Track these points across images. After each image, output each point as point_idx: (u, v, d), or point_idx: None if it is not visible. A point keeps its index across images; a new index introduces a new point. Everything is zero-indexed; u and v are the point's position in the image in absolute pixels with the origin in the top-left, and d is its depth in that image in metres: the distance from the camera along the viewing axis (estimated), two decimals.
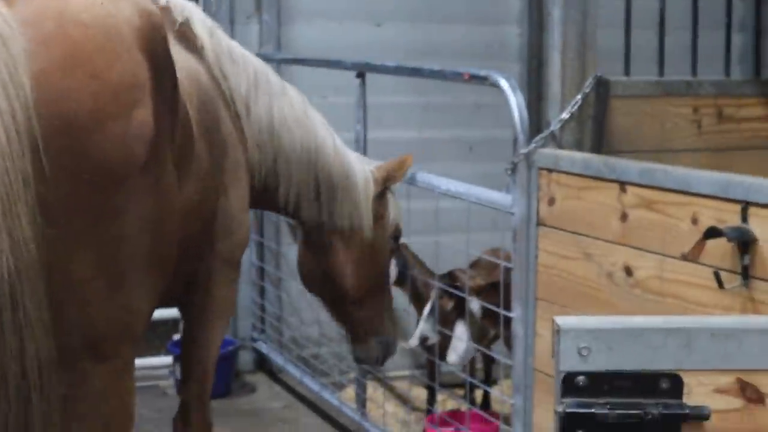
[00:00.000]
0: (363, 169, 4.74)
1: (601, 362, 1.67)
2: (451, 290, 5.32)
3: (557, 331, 1.66)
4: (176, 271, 3.22)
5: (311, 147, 4.53)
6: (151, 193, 2.82)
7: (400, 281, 5.73)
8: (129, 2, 2.84)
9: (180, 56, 3.60)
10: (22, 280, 2.56)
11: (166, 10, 3.97)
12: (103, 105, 2.66)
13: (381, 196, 4.81)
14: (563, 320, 1.67)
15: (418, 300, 5.85)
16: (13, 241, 2.54)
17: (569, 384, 1.68)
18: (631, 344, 1.67)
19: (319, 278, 4.78)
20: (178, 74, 3.19)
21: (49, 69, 2.61)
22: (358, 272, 4.76)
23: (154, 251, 2.88)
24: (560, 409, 1.68)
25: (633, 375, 1.66)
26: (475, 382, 5.53)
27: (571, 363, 1.67)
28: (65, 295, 2.71)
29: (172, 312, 6.42)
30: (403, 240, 5.31)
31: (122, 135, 2.70)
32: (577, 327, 1.67)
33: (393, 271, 5.48)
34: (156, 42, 2.90)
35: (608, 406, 1.66)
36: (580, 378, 1.68)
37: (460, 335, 5.26)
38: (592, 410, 1.67)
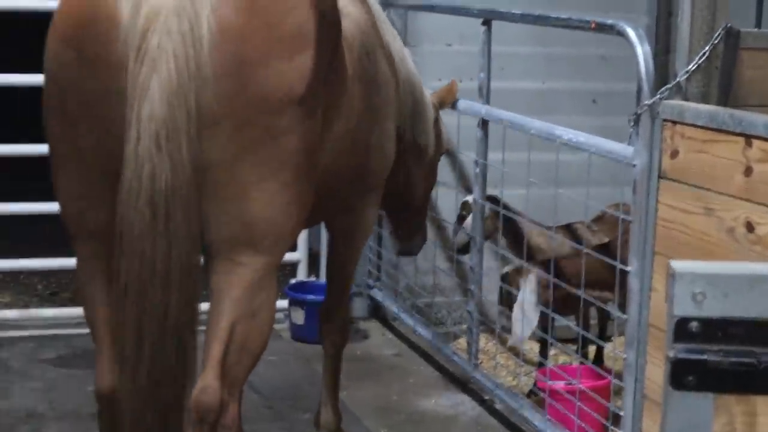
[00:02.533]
0: (428, 96, 5.30)
1: (715, 308, 1.62)
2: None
3: (671, 275, 1.61)
4: (331, 195, 3.93)
5: (411, 74, 5.06)
6: (305, 122, 3.28)
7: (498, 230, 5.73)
8: None
9: (350, 7, 4.21)
10: (176, 196, 3.06)
11: None
12: (271, 48, 3.18)
13: (436, 119, 5.38)
14: (678, 264, 1.62)
15: (516, 246, 5.79)
16: (172, 163, 3.04)
17: (682, 329, 1.63)
18: (748, 291, 1.61)
19: (391, 191, 5.08)
20: (348, 24, 3.90)
21: (231, 16, 3.10)
22: (424, 186, 5.43)
23: (306, 168, 3.36)
24: (671, 354, 1.64)
25: (748, 322, 1.61)
26: (588, 336, 5.47)
27: (684, 308, 1.63)
28: (233, 194, 3.22)
29: (291, 256, 6.49)
30: (520, 191, 5.46)
31: (284, 72, 3.20)
32: (692, 271, 1.62)
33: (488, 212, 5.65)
34: (326, 2, 3.41)
35: (721, 353, 1.61)
36: (693, 324, 1.63)
37: (527, 310, 5.28)
38: (704, 357, 1.62)
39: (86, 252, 3.47)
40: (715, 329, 1.63)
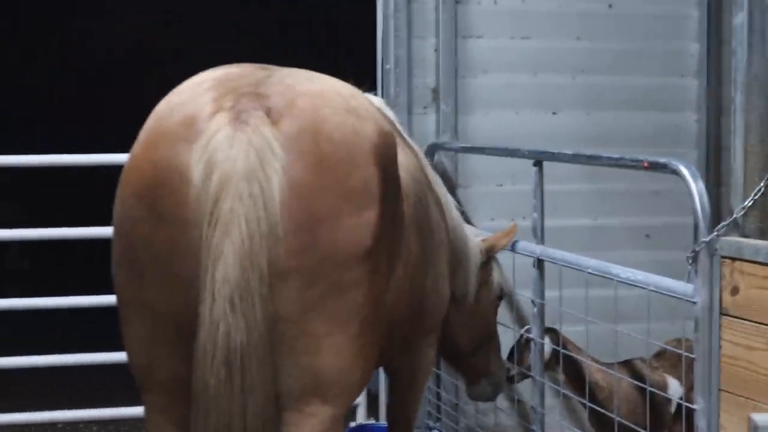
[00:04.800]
0: (474, 240, 5.37)
1: None
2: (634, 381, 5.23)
3: (755, 428, 1.62)
4: (391, 338, 3.95)
5: (456, 221, 5.15)
6: (372, 275, 3.36)
7: (552, 364, 5.73)
8: (372, 123, 3.47)
9: (402, 156, 4.19)
10: (251, 353, 3.13)
11: (381, 111, 4.47)
12: (341, 204, 3.27)
13: (486, 263, 5.44)
14: (760, 417, 1.63)
15: (575, 382, 5.78)
16: (247, 323, 3.12)
17: None
18: None
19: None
20: (403, 174, 3.91)
21: (302, 174, 3.21)
22: (468, 331, 5.45)
23: (374, 319, 3.43)
24: None
25: None
26: None
27: None
28: (303, 347, 3.26)
29: None
30: (579, 328, 5.52)
31: (353, 228, 3.29)
32: None
33: (547, 350, 5.66)
34: (388, 157, 3.53)
35: None
36: None
37: None
38: None
39: (155, 403, 3.49)
40: None
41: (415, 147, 4.82)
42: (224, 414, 3.13)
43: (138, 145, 3.40)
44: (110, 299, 3.82)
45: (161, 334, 3.35)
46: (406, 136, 4.80)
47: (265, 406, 3.18)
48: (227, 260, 3.10)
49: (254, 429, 3.16)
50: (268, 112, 3.25)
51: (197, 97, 3.34)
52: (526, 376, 5.82)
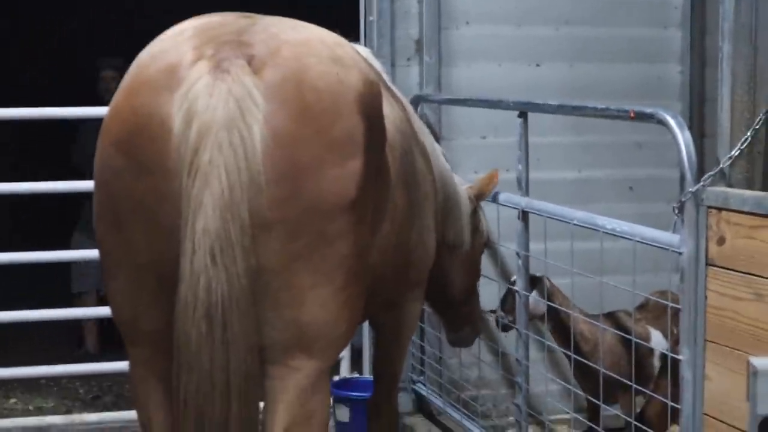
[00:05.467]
0: (462, 188, 5.39)
1: None
2: (618, 332, 5.23)
3: (753, 373, 1.60)
4: (376, 293, 3.90)
5: (443, 169, 5.12)
6: (356, 226, 3.32)
7: (542, 316, 5.75)
8: (357, 72, 3.42)
9: (388, 108, 4.15)
10: (233, 306, 3.08)
11: (368, 62, 4.45)
12: (324, 154, 3.22)
13: (474, 211, 5.47)
14: (759, 362, 1.61)
15: (561, 333, 5.79)
16: (228, 275, 3.07)
17: (766, 428, 1.61)
18: None
19: (429, 286, 5.11)
20: (389, 126, 3.86)
21: (284, 123, 3.16)
22: (462, 279, 5.51)
23: (359, 271, 3.40)
24: None
25: None
26: (639, 425, 5.40)
27: None
28: (287, 299, 3.24)
29: None
30: (550, 280, 5.68)
31: (337, 178, 3.24)
32: None
33: (540, 306, 5.67)
34: (373, 107, 3.49)
35: None
36: None
37: None
38: None
39: (140, 356, 3.48)
40: None
41: (402, 98, 4.79)
42: (206, 367, 3.10)
43: (119, 93, 3.36)
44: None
45: (144, 286, 3.32)
46: (392, 87, 4.77)
47: (247, 359, 3.14)
48: (207, 211, 3.06)
49: (236, 382, 3.12)
50: (250, 61, 3.20)
51: (179, 45, 3.29)
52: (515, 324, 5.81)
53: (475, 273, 5.67)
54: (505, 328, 5.90)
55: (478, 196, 5.53)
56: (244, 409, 3.14)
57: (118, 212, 3.30)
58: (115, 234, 3.34)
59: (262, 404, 3.34)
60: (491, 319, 6.04)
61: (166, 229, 3.16)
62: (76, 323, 8.57)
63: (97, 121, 3.57)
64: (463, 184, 5.51)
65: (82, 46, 12.61)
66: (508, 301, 5.86)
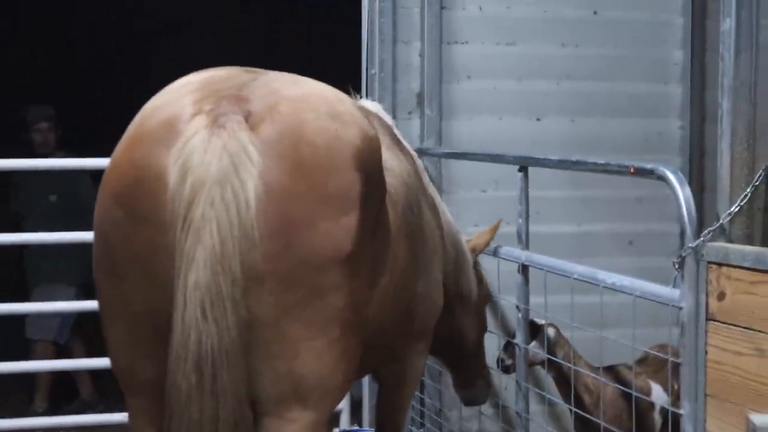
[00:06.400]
0: (464, 240, 5.38)
1: None
2: (618, 386, 5.23)
3: (753, 430, 1.61)
4: (376, 345, 3.92)
5: (450, 223, 5.14)
6: (352, 279, 3.33)
7: (542, 362, 5.74)
8: (356, 128, 3.44)
9: (395, 161, 4.27)
10: (222, 358, 3.12)
11: (378, 116, 4.60)
12: (319, 208, 3.24)
13: (475, 263, 5.49)
14: (758, 418, 1.62)
15: (563, 384, 5.79)
16: (218, 328, 3.10)
17: None
18: None
19: (443, 340, 5.20)
20: (393, 180, 3.99)
21: (279, 178, 3.18)
22: (473, 330, 5.54)
23: (355, 324, 3.40)
24: None
25: None
26: None
27: None
28: (281, 351, 3.25)
29: None
30: (557, 327, 5.71)
31: (331, 232, 3.26)
32: None
33: (537, 351, 5.68)
34: (371, 162, 3.48)
35: None
36: None
37: None
38: None
39: (138, 406, 3.49)
40: None
41: (412, 152, 4.82)
42: (195, 417, 3.13)
43: (120, 145, 3.40)
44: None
45: (140, 337, 3.34)
46: (403, 140, 4.79)
47: (236, 410, 3.16)
48: (198, 265, 3.09)
49: None
50: (248, 116, 3.23)
51: (180, 98, 3.34)
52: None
53: (482, 324, 5.69)
54: (507, 370, 5.90)
55: (474, 249, 5.54)
56: None
57: (115, 262, 3.33)
58: (113, 284, 3.37)
59: None
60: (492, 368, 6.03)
61: (162, 281, 3.19)
62: (29, 376, 8.56)
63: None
64: (463, 238, 5.53)
65: (82, 46, 12.67)
66: (510, 346, 5.87)
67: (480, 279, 5.51)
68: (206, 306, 3.10)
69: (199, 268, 3.09)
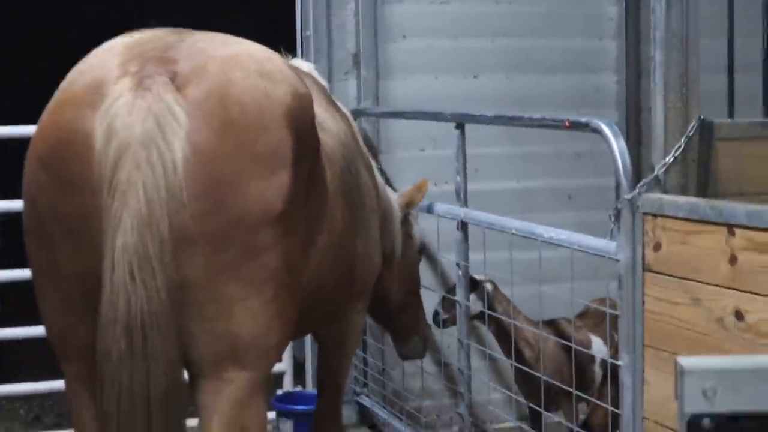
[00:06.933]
0: (393, 198, 5.40)
1: (727, 403, 1.63)
2: (558, 340, 5.26)
3: (681, 373, 1.62)
4: (316, 305, 3.96)
5: (380, 185, 5.08)
6: (285, 238, 3.33)
7: (481, 315, 5.74)
8: (286, 85, 3.41)
9: (331, 121, 4.26)
10: (152, 321, 3.10)
11: (311, 76, 4.57)
12: (248, 167, 3.22)
13: (405, 219, 5.48)
14: (686, 360, 1.63)
15: (503, 338, 5.82)
16: (147, 291, 3.09)
17: (694, 427, 1.64)
18: (759, 384, 1.62)
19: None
20: (329, 139, 4.01)
21: (206, 138, 3.16)
22: (398, 287, 5.52)
23: (290, 283, 3.39)
24: None
25: (762, 416, 1.62)
26: None
27: (696, 405, 1.63)
28: (215, 312, 3.23)
29: (276, 366, 6.44)
30: (495, 284, 5.67)
31: (262, 191, 3.24)
32: (701, 367, 1.63)
33: (476, 304, 5.67)
34: (302, 120, 3.46)
35: None
36: (706, 420, 1.64)
37: None
38: None
39: (72, 371, 3.48)
40: (728, 425, 1.63)
41: (347, 113, 4.81)
42: (125, 382, 3.11)
43: (47, 109, 3.36)
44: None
45: (72, 302, 3.33)
46: (337, 101, 4.77)
47: (167, 373, 3.15)
48: (125, 228, 3.07)
49: (157, 397, 3.13)
50: (173, 77, 3.20)
51: (105, 62, 3.31)
52: (453, 323, 5.83)
53: (411, 282, 5.68)
54: (443, 324, 5.92)
55: (408, 205, 5.52)
56: (166, 425, 3.16)
57: (44, 226, 3.30)
58: (43, 249, 3.34)
59: (193, 422, 3.33)
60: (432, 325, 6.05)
61: (91, 245, 3.16)
62: None
63: None
64: (394, 194, 5.52)
65: (82, 46, 12.59)
66: (446, 301, 5.89)
67: (408, 236, 5.51)
68: (134, 268, 3.07)
69: (126, 231, 3.07)
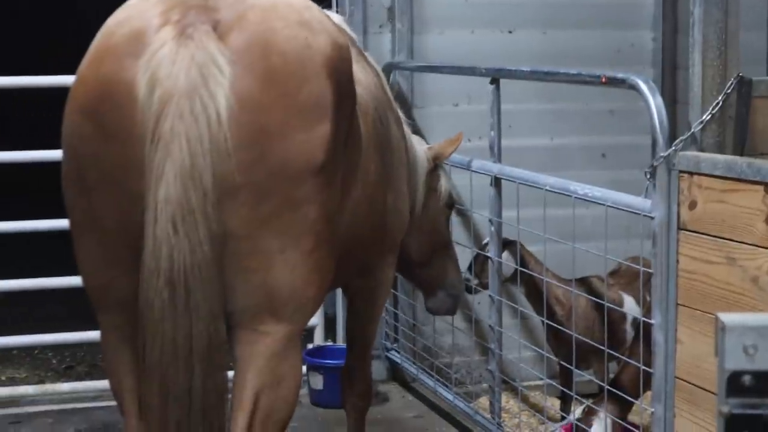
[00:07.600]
0: (421, 149, 5.35)
1: (767, 362, 1.61)
2: (590, 298, 5.24)
3: (721, 329, 1.60)
4: (349, 258, 3.94)
5: (407, 137, 5.05)
6: (324, 190, 3.32)
7: (512, 279, 5.74)
8: (326, 36, 3.39)
9: (362, 74, 4.24)
10: (195, 273, 3.08)
11: (342, 28, 4.43)
12: (291, 118, 3.21)
13: (433, 171, 5.41)
14: (727, 317, 1.61)
15: (534, 297, 5.81)
16: (190, 243, 3.07)
17: (734, 384, 1.61)
18: None
19: None
20: (362, 91, 3.95)
21: (249, 89, 3.14)
22: (419, 239, 5.40)
23: (328, 235, 3.38)
24: (725, 409, 1.62)
25: None
26: (613, 390, 5.43)
27: (736, 362, 1.61)
28: (255, 264, 3.23)
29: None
30: (536, 247, 5.57)
31: (304, 142, 3.23)
32: (742, 324, 1.61)
33: (508, 267, 5.69)
34: (342, 71, 3.45)
35: None
36: (746, 377, 1.62)
37: None
38: (760, 411, 1.60)
39: (110, 323, 3.46)
40: None
41: (376, 66, 4.77)
42: (169, 334, 3.10)
43: (86, 59, 3.32)
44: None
45: (112, 253, 3.30)
46: (366, 54, 4.74)
47: (210, 326, 3.14)
48: (168, 180, 3.04)
49: (199, 349, 3.11)
50: (216, 26, 3.17)
51: (145, 11, 3.26)
52: (485, 288, 5.82)
53: (436, 235, 5.53)
54: (471, 291, 5.91)
55: (437, 157, 5.45)
56: (208, 378, 3.14)
57: (85, 178, 3.28)
58: (84, 200, 3.31)
59: (231, 374, 3.34)
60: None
61: (133, 196, 3.14)
62: None
63: None
64: (422, 146, 5.46)
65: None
66: (476, 264, 5.87)
67: (434, 188, 5.44)
68: (177, 220, 3.05)
69: (169, 183, 3.04)
